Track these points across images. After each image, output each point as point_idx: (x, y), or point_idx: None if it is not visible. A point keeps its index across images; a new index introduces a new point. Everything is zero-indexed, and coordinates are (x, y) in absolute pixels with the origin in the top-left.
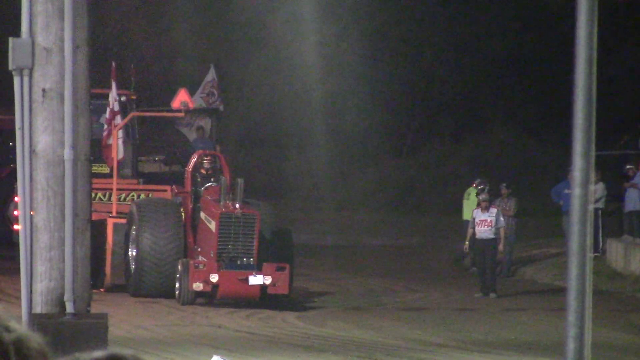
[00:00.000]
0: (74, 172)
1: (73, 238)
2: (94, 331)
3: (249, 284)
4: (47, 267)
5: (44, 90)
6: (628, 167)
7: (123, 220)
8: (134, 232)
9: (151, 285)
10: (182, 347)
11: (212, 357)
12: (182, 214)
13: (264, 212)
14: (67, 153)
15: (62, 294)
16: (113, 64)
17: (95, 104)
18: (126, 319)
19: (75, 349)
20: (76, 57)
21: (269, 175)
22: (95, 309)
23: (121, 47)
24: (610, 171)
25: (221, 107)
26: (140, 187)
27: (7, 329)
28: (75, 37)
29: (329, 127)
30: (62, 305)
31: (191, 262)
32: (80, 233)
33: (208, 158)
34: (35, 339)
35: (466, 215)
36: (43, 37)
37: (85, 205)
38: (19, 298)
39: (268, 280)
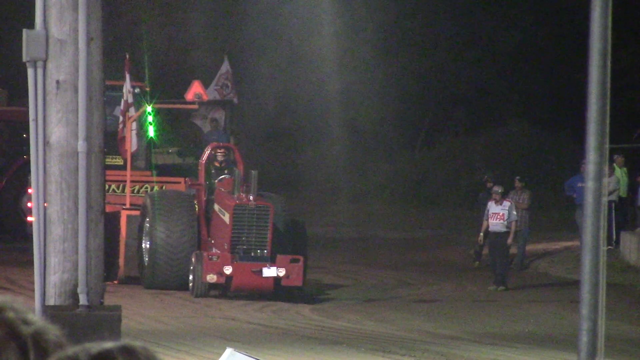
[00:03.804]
0: (87, 164)
1: (86, 230)
2: (107, 323)
3: (263, 276)
4: (60, 259)
5: (57, 82)
6: None
7: (137, 213)
8: (147, 225)
9: (164, 278)
10: (195, 339)
11: (225, 349)
12: (196, 206)
13: (278, 205)
14: (81, 145)
15: (76, 286)
16: (127, 55)
17: (109, 95)
18: (139, 311)
19: (89, 340)
20: (90, 48)
21: (284, 168)
22: (108, 301)
23: (135, 39)
24: (625, 164)
25: (235, 100)
26: (154, 179)
27: (26, 322)
28: (89, 28)
29: (343, 119)
30: (75, 297)
31: (205, 253)
32: (93, 225)
33: (222, 150)
34: (53, 332)
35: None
36: (57, 28)
37: (99, 197)
38: (32, 290)
39: (282, 272)
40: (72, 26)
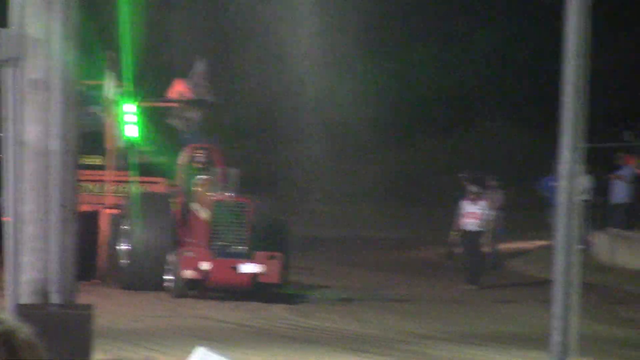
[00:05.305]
0: (61, 163)
1: (59, 229)
2: (79, 321)
3: (240, 272)
4: (33, 258)
5: (32, 81)
6: (618, 154)
7: (116, 212)
8: (124, 226)
9: (141, 279)
10: (167, 338)
11: (195, 348)
12: (174, 206)
13: (260, 206)
14: (55, 144)
15: (48, 285)
16: (109, 53)
17: (85, 94)
18: (114, 309)
19: (60, 339)
20: (66, 47)
21: (262, 167)
22: (84, 300)
23: (113, 38)
24: (597, 163)
25: (210, 99)
26: (133, 178)
27: None
28: (65, 27)
29: (320, 119)
30: (47, 295)
31: (181, 249)
32: (66, 224)
33: (200, 151)
34: (24, 331)
35: None
36: (32, 27)
37: (72, 197)
38: (5, 289)
39: (259, 268)
40: (47, 25)
